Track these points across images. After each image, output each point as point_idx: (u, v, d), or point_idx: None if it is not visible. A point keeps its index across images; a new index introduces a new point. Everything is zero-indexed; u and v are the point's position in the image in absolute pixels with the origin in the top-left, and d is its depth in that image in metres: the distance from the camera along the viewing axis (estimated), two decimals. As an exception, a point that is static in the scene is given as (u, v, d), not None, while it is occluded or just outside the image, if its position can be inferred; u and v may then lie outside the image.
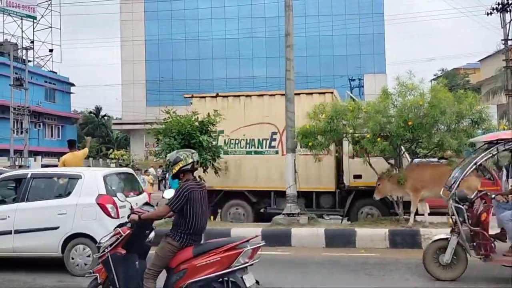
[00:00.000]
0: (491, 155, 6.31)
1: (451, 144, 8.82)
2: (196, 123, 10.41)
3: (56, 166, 11.92)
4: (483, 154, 6.34)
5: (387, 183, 9.36)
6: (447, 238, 6.10)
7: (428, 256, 6.21)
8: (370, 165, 9.62)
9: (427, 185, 8.99)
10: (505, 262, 5.97)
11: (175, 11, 39.10)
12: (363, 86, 38.50)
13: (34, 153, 37.71)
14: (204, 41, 39.20)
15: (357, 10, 38.16)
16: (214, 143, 10.84)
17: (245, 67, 38.98)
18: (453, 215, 6.04)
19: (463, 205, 5.99)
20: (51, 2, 44.54)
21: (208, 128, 10.57)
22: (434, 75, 47.70)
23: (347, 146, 10.54)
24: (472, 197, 6.24)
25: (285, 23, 10.74)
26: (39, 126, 42.81)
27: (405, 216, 9.49)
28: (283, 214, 9.88)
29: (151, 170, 21.45)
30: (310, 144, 9.73)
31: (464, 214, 5.96)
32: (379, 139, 9.11)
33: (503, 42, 23.96)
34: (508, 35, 23.73)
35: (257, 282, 4.42)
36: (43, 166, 30.48)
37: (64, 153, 10.70)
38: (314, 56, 38.04)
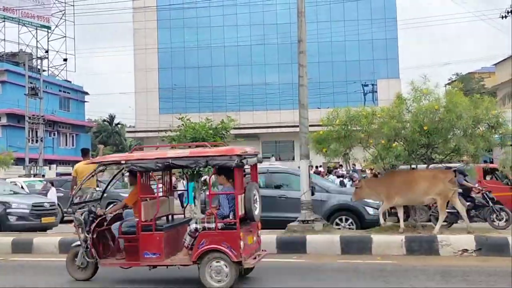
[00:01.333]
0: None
1: (468, 149, 8.73)
2: (210, 130, 10.46)
3: (70, 174, 12.04)
4: None
5: (365, 187, 9.50)
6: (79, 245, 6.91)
7: (68, 259, 7.07)
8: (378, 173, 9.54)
9: (400, 192, 9.01)
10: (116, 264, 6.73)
11: (188, 19, 39.43)
12: (376, 92, 38.41)
13: (48, 162, 38.23)
14: (216, 48, 39.46)
15: (369, 15, 38.14)
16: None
17: (257, 74, 39.15)
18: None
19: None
20: (65, 12, 45.34)
21: (223, 134, 10.62)
22: (449, 79, 47.39)
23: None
24: None
25: (297, 30, 10.75)
26: (54, 134, 43.41)
27: (422, 223, 9.40)
28: (298, 220, 9.86)
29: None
30: (324, 150, 9.70)
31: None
32: (394, 144, 9.04)
33: (518, 45, 23.67)
34: (523, 38, 23.43)
35: None
36: (58, 174, 30.85)
37: (79, 161, 10.85)
38: (327, 62, 38.07)
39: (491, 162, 14.61)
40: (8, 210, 11.33)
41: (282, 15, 37.16)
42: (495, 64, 38.34)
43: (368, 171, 18.19)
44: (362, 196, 9.67)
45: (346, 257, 8.42)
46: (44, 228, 11.78)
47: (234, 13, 39.39)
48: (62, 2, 45.03)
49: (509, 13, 23.60)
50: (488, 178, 13.93)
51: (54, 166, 37.82)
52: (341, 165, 23.40)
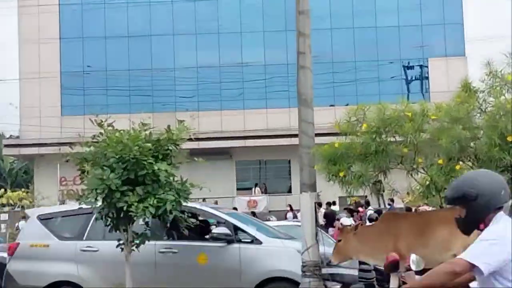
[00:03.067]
0: None
1: None
2: (148, 144, 10.41)
3: None
4: None
5: (353, 240, 9.71)
6: None
7: None
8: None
9: (410, 246, 9.16)
10: None
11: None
12: (427, 78, 38.83)
13: None
14: (158, 6, 39.51)
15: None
16: (178, 175, 10.83)
17: (228, 48, 39.25)
18: None
19: None
20: None
21: (169, 150, 10.57)
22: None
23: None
24: None
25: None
26: None
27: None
28: None
29: None
30: (341, 175, 9.75)
31: None
32: (458, 166, 9.13)
33: None
34: None
35: None
36: None
37: None
38: (344, 28, 38.42)
39: None
40: None
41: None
42: None
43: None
44: (347, 254, 9.89)
45: None
46: None
47: None
48: None
49: None
50: None
51: None
52: (367, 202, 23.51)
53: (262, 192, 36.43)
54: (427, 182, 9.58)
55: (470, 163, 9.55)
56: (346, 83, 37.13)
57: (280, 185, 38.69)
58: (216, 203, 33.92)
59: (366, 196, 21.33)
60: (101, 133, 10.76)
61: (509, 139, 8.96)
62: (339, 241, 9.90)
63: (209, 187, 11.63)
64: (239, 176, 39.51)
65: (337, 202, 26.87)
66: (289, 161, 36.70)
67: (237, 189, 38.59)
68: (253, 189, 37.24)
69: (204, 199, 33.76)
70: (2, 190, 39.02)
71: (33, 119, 38.95)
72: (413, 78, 39.02)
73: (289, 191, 36.41)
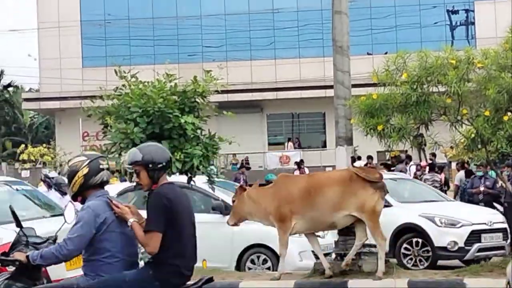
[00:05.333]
0: None
1: None
2: (174, 96, 10.44)
3: None
4: None
5: (247, 200, 10.10)
6: None
7: None
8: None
9: (297, 209, 9.77)
10: None
11: None
12: (473, 23, 38.41)
13: None
14: None
15: None
16: (206, 129, 10.88)
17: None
18: None
19: None
20: None
21: (195, 103, 10.59)
22: None
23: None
24: None
25: None
26: None
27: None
28: (333, 252, 10.17)
29: None
30: (380, 128, 9.73)
31: None
32: (506, 117, 9.05)
33: None
34: None
35: None
36: None
37: None
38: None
39: None
40: None
41: None
42: None
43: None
44: (242, 215, 10.27)
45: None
46: None
47: None
48: None
49: None
50: None
51: None
52: (408, 157, 23.44)
53: (295, 147, 36.43)
54: (473, 135, 9.52)
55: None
56: (385, 30, 36.84)
57: (314, 140, 38.77)
58: (246, 159, 34.35)
59: (406, 151, 21.25)
60: (124, 85, 10.78)
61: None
62: (233, 201, 10.28)
63: (238, 142, 11.68)
64: (271, 130, 39.59)
65: (376, 157, 26.77)
66: (324, 114, 36.73)
67: (269, 144, 38.72)
68: (286, 144, 37.32)
69: (234, 155, 34.16)
70: (23, 146, 39.42)
71: (53, 71, 39.20)
72: (458, 24, 38.58)
73: (324, 145, 36.48)
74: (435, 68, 9.57)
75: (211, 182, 11.11)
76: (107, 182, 5.60)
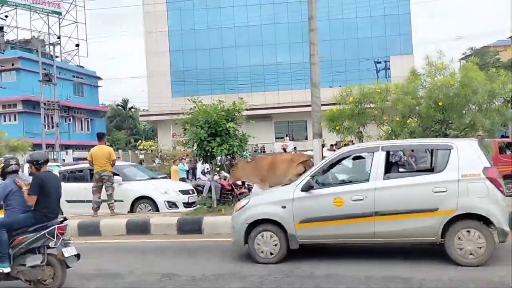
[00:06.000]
0: None
1: (484, 124, 8.64)
2: (222, 112, 10.40)
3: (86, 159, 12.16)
4: None
5: (241, 169, 10.13)
6: None
7: None
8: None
9: (267, 175, 9.69)
10: None
11: (197, 0, 39.13)
12: (389, 69, 37.89)
13: (65, 147, 38.72)
14: (226, 29, 39.11)
15: (381, -10, 37.39)
16: (240, 130, 10.85)
17: (268, 54, 38.81)
18: None
19: None
20: (75, -3, 45.24)
21: (234, 116, 10.56)
22: (463, 54, 46.41)
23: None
24: None
25: (308, 7, 10.61)
26: (69, 120, 43.80)
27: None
28: None
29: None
30: (337, 128, 9.65)
31: None
32: (408, 121, 8.96)
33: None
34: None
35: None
36: (75, 159, 31.27)
37: (94, 146, 11.04)
38: (338, 39, 37.52)
39: (507, 137, 14.42)
40: None
41: (292, -7, 36.65)
42: (511, 37, 37.39)
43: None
44: (238, 177, 10.45)
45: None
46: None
47: (243, -7, 38.93)
48: (72, -13, 44.96)
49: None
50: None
51: (70, 151, 38.33)
52: (353, 143, 23.21)
53: (290, 139, 36.22)
54: (390, 131, 9.43)
55: (416, 119, 9.33)
56: (340, 73, 36.44)
57: (301, 135, 38.46)
58: (263, 147, 34.32)
59: (352, 141, 21.06)
60: (194, 107, 10.79)
61: (440, 103, 8.76)
62: (232, 168, 10.27)
63: (258, 138, 11.62)
64: (276, 130, 39.46)
65: (337, 144, 26.52)
66: (306, 121, 36.47)
67: (275, 138, 38.63)
68: (285, 138, 37.09)
69: (256, 145, 34.18)
70: (140, 141, 39.76)
71: (155, 99, 39.35)
72: (380, 69, 38.06)
73: (306, 138, 36.24)
74: (368, 94, 9.49)
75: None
76: (16, 172, 6.06)
